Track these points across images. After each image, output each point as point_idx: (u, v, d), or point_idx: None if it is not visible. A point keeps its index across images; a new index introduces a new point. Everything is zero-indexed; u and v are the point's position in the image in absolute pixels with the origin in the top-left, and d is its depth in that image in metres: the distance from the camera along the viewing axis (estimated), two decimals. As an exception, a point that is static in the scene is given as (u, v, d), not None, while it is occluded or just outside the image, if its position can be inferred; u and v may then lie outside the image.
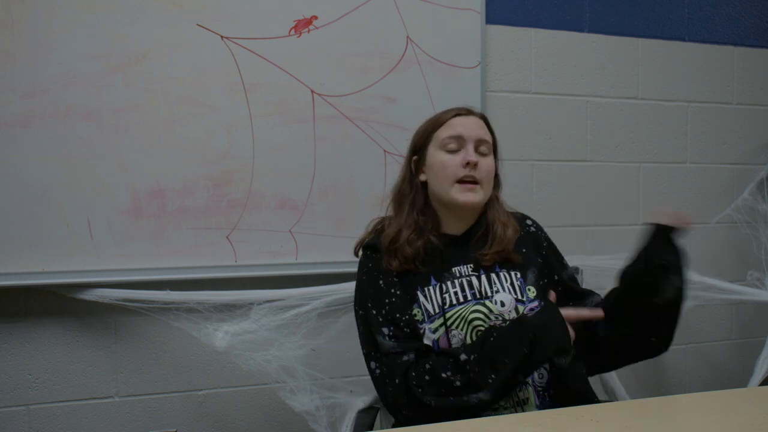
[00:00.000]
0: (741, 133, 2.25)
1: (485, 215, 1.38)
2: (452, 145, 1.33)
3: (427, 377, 1.21)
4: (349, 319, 1.73)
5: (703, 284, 1.98)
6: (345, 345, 1.76)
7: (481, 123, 1.38)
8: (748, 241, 2.18)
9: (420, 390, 1.20)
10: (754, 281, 2.08)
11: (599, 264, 1.94)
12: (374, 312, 1.30)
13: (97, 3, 1.62)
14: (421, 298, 1.31)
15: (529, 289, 1.33)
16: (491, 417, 1.23)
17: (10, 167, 1.58)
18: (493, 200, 1.40)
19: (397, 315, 1.28)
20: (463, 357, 1.20)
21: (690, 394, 1.27)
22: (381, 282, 1.32)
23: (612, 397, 1.89)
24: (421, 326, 1.29)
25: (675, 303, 1.26)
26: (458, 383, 1.18)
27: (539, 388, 1.29)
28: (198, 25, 1.69)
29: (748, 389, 1.75)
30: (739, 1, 2.23)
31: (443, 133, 1.35)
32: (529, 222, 1.44)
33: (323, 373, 1.73)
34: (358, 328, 1.34)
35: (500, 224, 1.35)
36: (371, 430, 1.50)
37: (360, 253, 1.42)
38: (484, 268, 1.33)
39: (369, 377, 1.37)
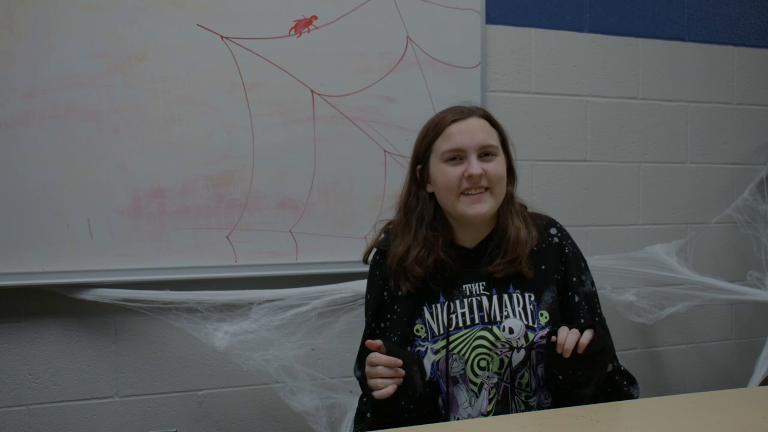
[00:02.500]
0: (741, 133, 2.25)
1: (499, 224, 1.30)
2: (454, 158, 1.25)
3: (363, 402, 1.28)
4: (348, 319, 1.74)
5: (703, 284, 1.98)
6: (345, 345, 1.75)
7: (483, 124, 1.28)
8: (748, 241, 2.18)
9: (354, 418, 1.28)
10: (754, 281, 2.08)
11: (599, 264, 1.94)
12: (373, 325, 1.32)
13: (97, 3, 1.62)
14: (427, 315, 1.27)
15: (541, 314, 1.25)
16: (491, 417, 1.23)
17: (10, 167, 1.58)
18: (507, 200, 1.30)
19: (391, 335, 1.28)
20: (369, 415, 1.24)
21: (690, 394, 1.27)
22: (386, 294, 1.31)
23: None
24: (423, 344, 1.26)
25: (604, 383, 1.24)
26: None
27: (544, 407, 1.26)
28: (198, 25, 1.69)
29: (748, 389, 1.75)
30: (739, 1, 2.23)
31: (442, 145, 1.26)
32: (553, 231, 1.33)
33: (323, 373, 1.73)
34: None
35: (514, 228, 1.27)
36: (371, 430, 1.50)
37: (371, 257, 1.38)
38: (496, 287, 1.26)
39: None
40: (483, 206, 1.24)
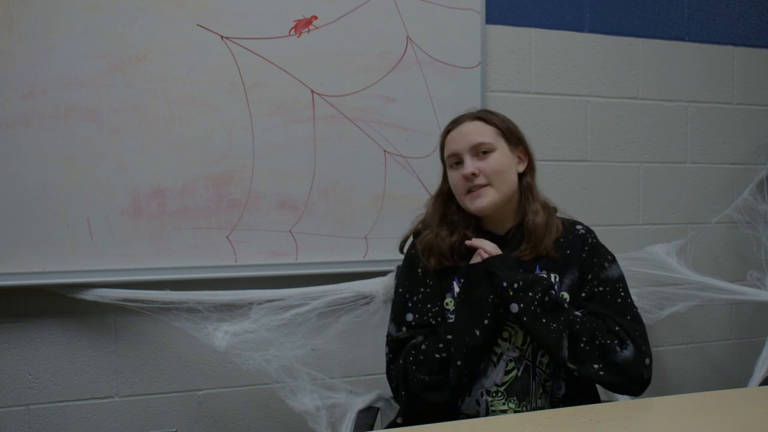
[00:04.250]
0: (741, 133, 2.25)
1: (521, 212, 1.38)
2: (455, 161, 1.37)
3: (421, 357, 1.27)
4: (348, 319, 1.74)
5: (703, 284, 1.98)
6: (345, 345, 1.76)
7: (475, 125, 1.36)
8: (748, 241, 2.18)
9: (414, 368, 1.26)
10: (754, 281, 2.08)
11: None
12: (407, 296, 1.37)
13: (97, 3, 1.62)
14: (456, 288, 1.33)
15: (562, 295, 1.30)
16: (492, 417, 1.23)
17: (10, 167, 1.58)
18: (525, 190, 1.38)
19: (428, 305, 1.34)
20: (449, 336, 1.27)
21: (690, 394, 1.27)
22: (419, 270, 1.38)
23: (612, 397, 1.89)
24: (452, 316, 1.32)
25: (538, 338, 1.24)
26: (444, 355, 1.26)
27: (556, 399, 1.30)
28: (198, 25, 1.69)
29: (748, 389, 1.75)
30: (739, 1, 2.23)
31: (446, 153, 1.40)
32: (579, 227, 1.40)
33: (323, 373, 1.73)
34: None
35: (532, 213, 1.34)
36: (371, 430, 1.50)
37: (407, 245, 1.47)
38: (523, 267, 1.32)
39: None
40: (482, 200, 1.33)
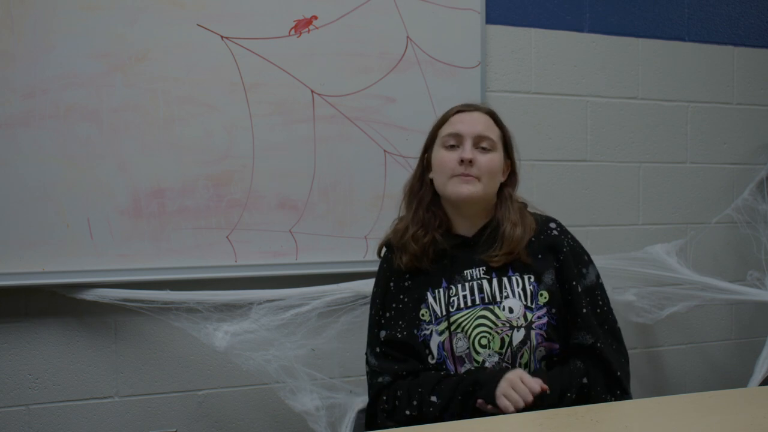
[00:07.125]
0: (741, 133, 2.25)
1: (496, 216, 1.36)
2: (451, 142, 1.34)
3: (393, 410, 1.27)
4: (348, 319, 1.74)
5: (703, 284, 1.98)
6: (345, 345, 1.76)
7: (485, 119, 1.36)
8: (748, 241, 2.18)
9: (385, 416, 1.27)
10: (754, 281, 2.08)
11: (599, 264, 1.91)
12: (381, 313, 1.35)
13: (97, 3, 1.62)
14: (430, 300, 1.32)
15: (541, 294, 1.30)
16: (491, 417, 1.23)
17: (10, 167, 1.58)
18: (505, 198, 1.37)
19: (400, 322, 1.32)
20: (433, 398, 1.24)
21: (690, 394, 1.27)
22: (392, 284, 1.36)
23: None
24: (428, 327, 1.30)
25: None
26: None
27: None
28: (198, 25, 1.69)
29: (748, 389, 1.76)
30: (739, 1, 2.23)
31: (444, 130, 1.37)
32: (552, 225, 1.39)
33: (323, 373, 1.73)
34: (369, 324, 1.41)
35: (510, 224, 1.32)
36: (371, 430, 1.50)
37: (383, 251, 1.45)
38: (496, 271, 1.30)
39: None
40: (470, 187, 1.30)
